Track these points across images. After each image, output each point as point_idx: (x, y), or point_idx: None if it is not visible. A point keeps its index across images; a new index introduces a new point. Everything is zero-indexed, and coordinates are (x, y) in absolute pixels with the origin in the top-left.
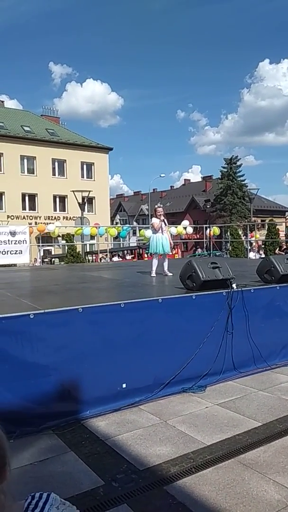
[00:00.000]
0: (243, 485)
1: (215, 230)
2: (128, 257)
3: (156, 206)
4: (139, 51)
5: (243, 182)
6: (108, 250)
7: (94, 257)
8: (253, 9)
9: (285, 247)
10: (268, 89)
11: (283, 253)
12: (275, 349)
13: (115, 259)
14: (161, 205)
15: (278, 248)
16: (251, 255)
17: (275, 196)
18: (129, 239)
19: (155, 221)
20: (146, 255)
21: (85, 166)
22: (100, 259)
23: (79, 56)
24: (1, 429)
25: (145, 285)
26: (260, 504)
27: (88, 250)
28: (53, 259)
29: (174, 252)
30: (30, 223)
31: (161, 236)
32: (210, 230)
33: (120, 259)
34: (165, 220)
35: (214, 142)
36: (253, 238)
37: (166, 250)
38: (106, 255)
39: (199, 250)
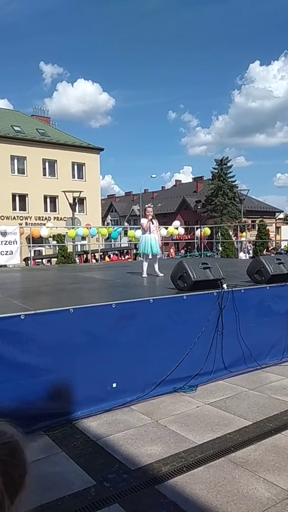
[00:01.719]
0: (233, 483)
1: (206, 230)
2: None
3: (146, 206)
4: (131, 51)
5: (233, 183)
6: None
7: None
8: (243, 11)
9: (272, 247)
10: (258, 91)
11: (270, 254)
12: (265, 348)
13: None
14: (151, 205)
15: (265, 249)
16: (241, 255)
17: (265, 197)
18: (120, 239)
19: (143, 221)
20: (94, 259)
21: (76, 167)
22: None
23: (70, 56)
24: (20, 432)
25: (136, 286)
26: (251, 501)
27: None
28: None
29: (170, 252)
30: (20, 224)
31: (150, 237)
32: (201, 231)
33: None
34: (153, 220)
35: (205, 143)
36: (241, 239)
37: (155, 251)
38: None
39: (182, 251)
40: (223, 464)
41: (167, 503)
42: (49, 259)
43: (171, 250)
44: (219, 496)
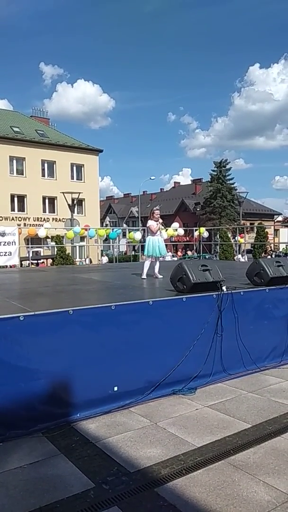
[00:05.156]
0: (233, 486)
1: (201, 229)
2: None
3: (154, 209)
4: (131, 53)
5: (232, 186)
6: None
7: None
8: (244, 13)
9: (270, 249)
10: (258, 94)
11: (268, 256)
12: (264, 351)
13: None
14: (159, 208)
15: (264, 252)
16: (239, 257)
17: (264, 200)
18: (118, 241)
19: (152, 223)
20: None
21: (75, 168)
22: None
23: (70, 57)
24: None
25: (135, 287)
26: (250, 505)
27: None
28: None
29: (177, 254)
30: (19, 224)
31: (158, 239)
32: (199, 232)
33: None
34: (162, 223)
35: (204, 145)
36: (237, 239)
37: (163, 253)
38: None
39: (189, 253)
40: (222, 467)
41: (167, 506)
42: (46, 259)
43: (179, 253)
44: (219, 499)
